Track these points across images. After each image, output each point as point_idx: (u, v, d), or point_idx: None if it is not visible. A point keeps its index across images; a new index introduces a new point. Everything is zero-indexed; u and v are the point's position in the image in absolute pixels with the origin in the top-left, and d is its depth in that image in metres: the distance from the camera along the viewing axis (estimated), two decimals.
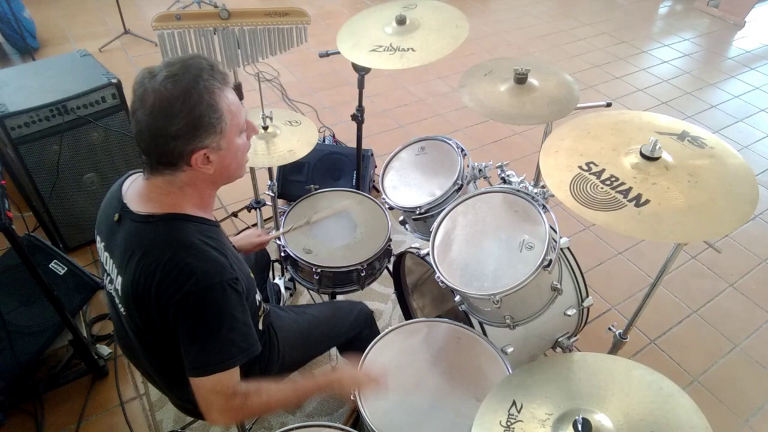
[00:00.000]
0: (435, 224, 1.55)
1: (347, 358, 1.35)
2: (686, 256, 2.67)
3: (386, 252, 1.86)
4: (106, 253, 1.15)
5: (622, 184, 1.22)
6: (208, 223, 1.13)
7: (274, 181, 2.08)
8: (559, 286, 1.44)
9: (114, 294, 1.15)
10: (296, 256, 1.75)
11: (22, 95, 2.14)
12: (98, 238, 1.19)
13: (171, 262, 1.02)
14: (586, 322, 1.86)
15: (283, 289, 2.23)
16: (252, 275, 1.24)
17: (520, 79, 1.69)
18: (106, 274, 1.17)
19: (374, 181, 2.83)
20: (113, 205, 1.14)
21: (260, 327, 1.31)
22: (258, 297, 1.27)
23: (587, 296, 1.74)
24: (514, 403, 1.10)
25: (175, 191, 1.08)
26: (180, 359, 1.18)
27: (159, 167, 1.06)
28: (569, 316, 1.68)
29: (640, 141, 1.29)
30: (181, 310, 1.03)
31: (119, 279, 1.10)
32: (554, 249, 1.35)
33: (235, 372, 1.08)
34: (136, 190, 1.12)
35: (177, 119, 0.98)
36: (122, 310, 1.13)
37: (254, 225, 2.67)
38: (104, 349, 2.08)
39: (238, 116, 1.08)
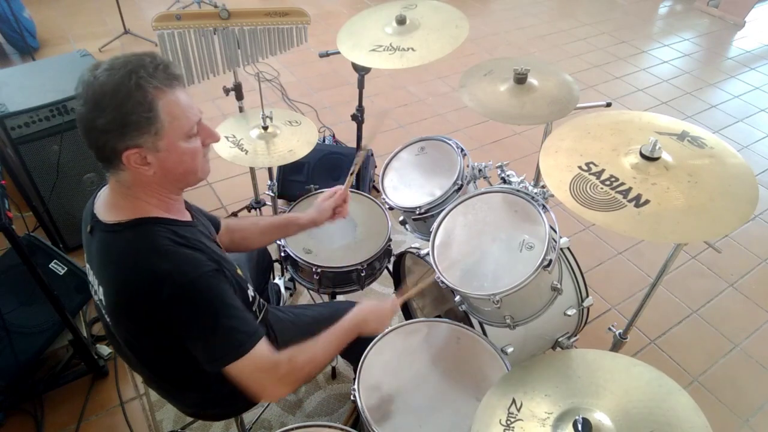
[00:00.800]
0: (435, 224, 1.55)
1: (364, 301, 1.34)
2: (686, 256, 2.67)
3: (386, 252, 1.86)
4: (87, 265, 1.14)
5: (622, 184, 1.22)
6: (179, 223, 1.10)
7: (274, 181, 2.08)
8: (559, 286, 1.44)
9: (99, 305, 1.14)
10: (296, 256, 1.75)
11: (22, 95, 2.14)
12: (84, 251, 1.17)
13: (144, 269, 1.00)
14: (586, 322, 1.86)
15: (283, 289, 2.23)
16: (240, 272, 1.23)
17: (520, 79, 1.69)
18: (90, 285, 1.17)
19: (374, 181, 2.83)
20: (87, 217, 1.12)
21: None
22: (251, 293, 1.26)
23: (587, 296, 1.74)
24: (513, 401, 1.10)
25: (129, 194, 1.05)
26: (174, 364, 1.18)
27: (102, 164, 1.04)
28: (569, 316, 1.68)
29: (640, 141, 1.29)
30: (172, 313, 1.01)
31: (101, 290, 1.09)
32: (554, 249, 1.35)
33: (259, 349, 1.06)
34: (104, 199, 1.10)
35: (105, 113, 0.94)
36: (108, 320, 1.13)
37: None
38: (104, 349, 2.08)
39: (182, 120, 1.01)
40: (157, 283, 0.98)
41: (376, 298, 2.35)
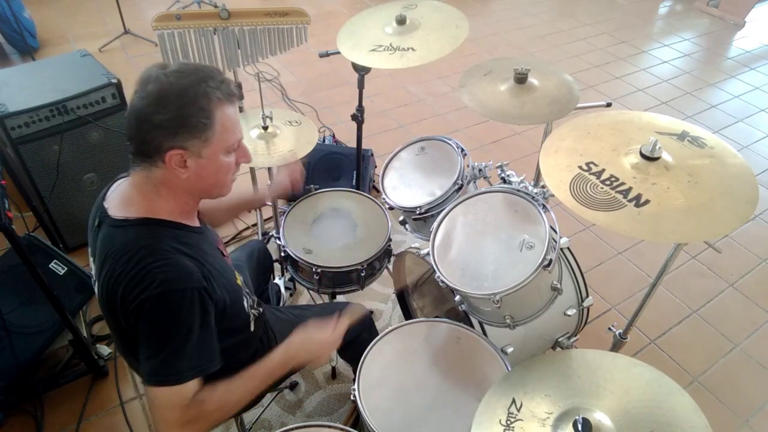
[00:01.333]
0: (435, 224, 1.55)
1: (305, 326, 1.23)
2: (686, 256, 2.67)
3: (386, 252, 1.86)
4: (91, 259, 1.15)
5: (622, 184, 1.22)
6: (187, 228, 1.11)
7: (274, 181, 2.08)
8: (559, 286, 1.44)
9: (99, 299, 1.14)
10: (296, 256, 1.75)
11: (22, 95, 2.13)
12: (88, 245, 1.18)
13: (135, 267, 1.00)
14: (586, 322, 1.86)
15: (283, 289, 2.23)
16: (239, 282, 1.22)
17: (520, 79, 1.69)
18: (93, 281, 1.16)
19: (374, 181, 2.83)
20: (96, 210, 1.13)
21: (252, 329, 1.31)
22: (246, 304, 1.25)
23: (587, 296, 1.74)
24: (513, 401, 1.10)
25: (152, 191, 1.07)
26: None
27: (138, 157, 1.05)
28: (569, 316, 1.68)
29: (640, 141, 1.29)
30: (139, 316, 1.00)
31: (96, 284, 1.09)
32: (554, 249, 1.35)
33: (190, 385, 1.03)
34: (118, 194, 1.11)
35: (165, 110, 0.98)
36: (103, 314, 1.13)
37: (254, 225, 2.67)
38: (104, 349, 2.08)
39: (230, 134, 1.06)
40: (142, 283, 0.99)
41: (376, 299, 2.35)
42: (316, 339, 1.23)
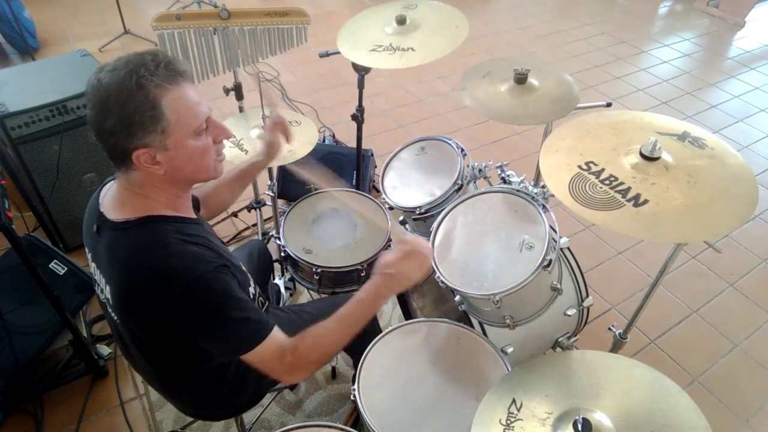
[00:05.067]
0: (435, 224, 1.56)
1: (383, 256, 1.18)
2: (686, 256, 2.66)
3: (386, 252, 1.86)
4: (94, 264, 1.15)
5: (621, 183, 1.22)
6: (186, 221, 1.11)
7: (274, 181, 2.08)
8: (559, 286, 1.44)
9: (106, 302, 1.15)
10: (296, 256, 1.75)
11: (22, 95, 2.14)
12: (86, 250, 1.18)
13: (152, 266, 1.00)
14: (586, 322, 1.86)
15: (283, 289, 2.23)
16: (244, 269, 1.23)
17: (520, 79, 1.69)
18: (96, 284, 1.17)
19: (374, 181, 2.83)
20: (92, 215, 1.13)
21: None
22: (252, 290, 1.26)
23: (587, 296, 1.74)
24: (513, 401, 1.10)
25: (139, 193, 1.06)
26: (180, 362, 1.18)
27: (115, 163, 1.05)
28: (569, 316, 1.68)
29: (640, 141, 1.29)
30: (184, 310, 1.01)
31: (108, 288, 1.09)
32: (554, 249, 1.35)
33: (270, 339, 1.07)
34: (111, 197, 1.11)
35: (110, 115, 0.95)
36: (115, 317, 1.13)
37: (254, 225, 2.67)
38: (104, 349, 2.08)
39: (190, 117, 1.01)
40: (167, 281, 0.99)
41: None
42: (408, 256, 1.16)
